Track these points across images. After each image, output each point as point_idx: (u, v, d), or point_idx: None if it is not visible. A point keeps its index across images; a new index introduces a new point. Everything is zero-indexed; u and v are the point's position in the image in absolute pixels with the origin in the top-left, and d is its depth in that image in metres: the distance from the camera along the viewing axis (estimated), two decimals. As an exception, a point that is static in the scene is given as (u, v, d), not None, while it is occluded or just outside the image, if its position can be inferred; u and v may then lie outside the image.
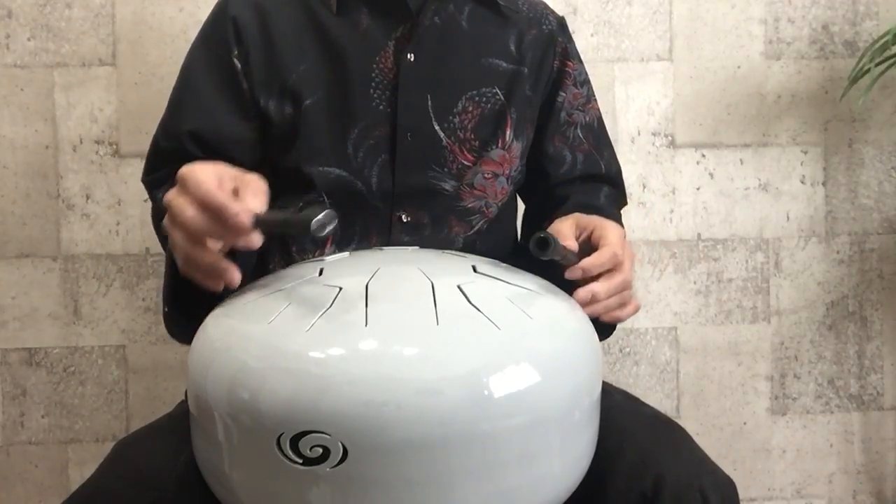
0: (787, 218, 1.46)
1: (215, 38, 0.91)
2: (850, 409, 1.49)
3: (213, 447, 0.63)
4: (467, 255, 0.81)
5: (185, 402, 0.80)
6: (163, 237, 0.78)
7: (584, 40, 1.40)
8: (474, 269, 0.71)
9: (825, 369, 1.48)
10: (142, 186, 0.97)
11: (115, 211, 1.37)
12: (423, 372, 0.57)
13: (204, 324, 0.67)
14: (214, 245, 0.66)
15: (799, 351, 1.48)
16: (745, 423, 1.48)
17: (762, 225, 1.46)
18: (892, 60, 1.25)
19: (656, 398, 1.46)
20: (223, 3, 0.93)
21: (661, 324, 1.46)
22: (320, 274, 0.69)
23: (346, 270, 0.72)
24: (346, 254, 0.80)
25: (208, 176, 0.65)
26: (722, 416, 1.47)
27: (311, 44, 0.90)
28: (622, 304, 0.78)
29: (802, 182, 1.46)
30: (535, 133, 0.99)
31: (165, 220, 0.68)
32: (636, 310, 0.81)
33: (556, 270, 0.75)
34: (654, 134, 1.44)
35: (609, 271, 0.76)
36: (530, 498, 0.62)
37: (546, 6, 1.02)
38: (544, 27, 0.98)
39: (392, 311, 0.62)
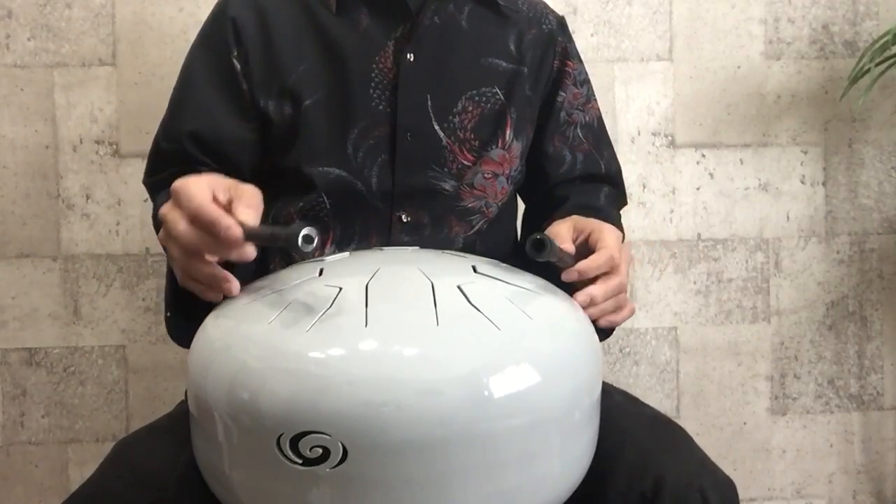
0: (787, 218, 1.46)
1: (215, 38, 0.91)
2: (850, 409, 1.49)
3: (212, 447, 0.63)
4: (467, 255, 0.81)
5: (185, 402, 0.80)
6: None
7: (584, 40, 1.40)
8: (474, 270, 0.71)
9: (825, 369, 1.48)
10: (142, 186, 0.97)
11: (115, 211, 1.37)
12: (423, 372, 0.57)
13: (204, 324, 0.67)
14: (210, 258, 0.66)
15: (799, 351, 1.48)
16: (745, 423, 1.48)
17: (762, 225, 1.46)
18: (892, 60, 1.25)
19: (656, 398, 1.46)
20: (223, 4, 0.92)
21: (661, 324, 1.46)
22: (320, 274, 0.69)
23: (346, 271, 0.72)
24: (346, 254, 0.80)
25: (201, 189, 0.66)
26: (722, 416, 1.47)
27: (311, 44, 0.90)
28: (618, 308, 0.78)
29: (802, 182, 1.46)
30: (535, 133, 0.99)
31: (161, 234, 0.69)
32: (631, 313, 0.81)
33: (556, 271, 0.75)
34: (654, 134, 1.44)
35: (605, 274, 0.76)
36: (530, 498, 0.62)
37: (546, 6, 1.02)
38: (544, 27, 0.98)
39: (392, 312, 0.62)
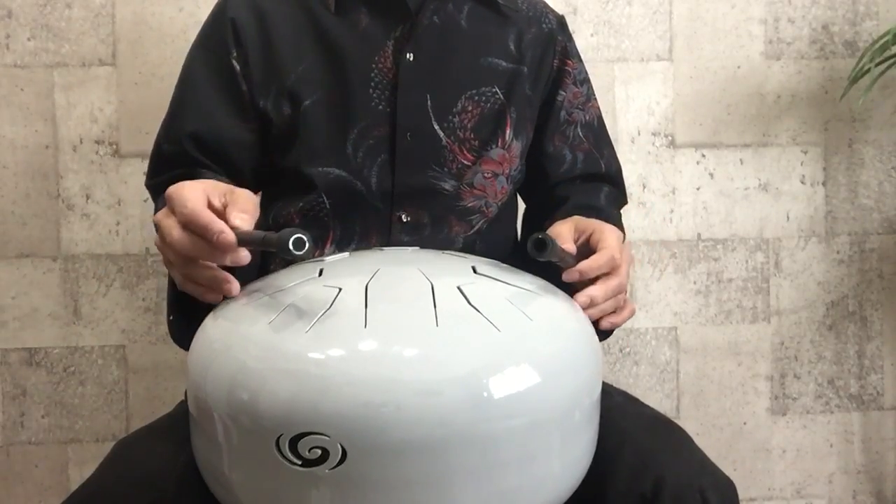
0: (787, 218, 1.46)
1: (214, 39, 0.91)
2: (850, 409, 1.49)
3: (212, 448, 0.63)
4: (467, 255, 0.81)
5: (185, 402, 0.80)
6: None
7: (584, 40, 1.40)
8: (474, 270, 0.71)
9: (825, 369, 1.48)
10: (142, 186, 0.97)
11: (115, 211, 1.37)
12: (422, 373, 0.57)
13: (203, 324, 0.67)
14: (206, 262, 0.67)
15: (799, 351, 1.48)
16: (745, 423, 1.48)
17: (762, 225, 1.46)
18: (892, 60, 1.25)
19: (656, 398, 1.46)
20: (222, 5, 0.92)
21: (661, 324, 1.46)
22: (320, 274, 0.69)
23: (345, 271, 0.72)
24: (345, 254, 0.80)
25: (195, 194, 0.66)
26: (722, 416, 1.47)
27: (310, 44, 0.90)
28: (618, 308, 0.78)
29: (802, 182, 1.46)
30: (535, 132, 0.99)
31: (157, 241, 0.69)
32: (632, 314, 0.81)
33: (556, 271, 0.75)
34: (654, 134, 1.44)
35: (606, 275, 0.76)
36: (530, 499, 0.62)
37: (546, 5, 1.02)
38: (544, 26, 0.98)
39: (392, 312, 0.62)
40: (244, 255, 0.65)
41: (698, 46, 1.44)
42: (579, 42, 1.09)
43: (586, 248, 0.79)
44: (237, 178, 0.89)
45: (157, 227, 0.69)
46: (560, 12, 1.03)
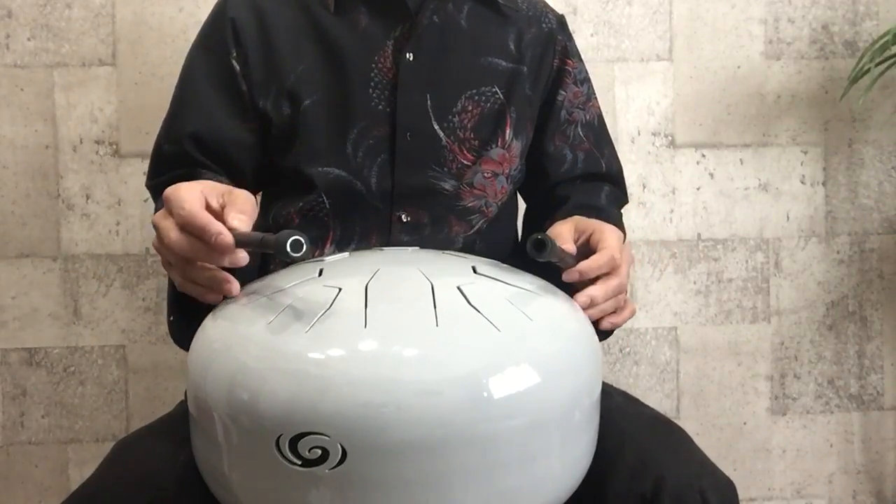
0: (787, 218, 1.46)
1: (214, 39, 0.91)
2: (850, 409, 1.49)
3: (212, 448, 0.63)
4: (467, 255, 0.81)
5: (185, 402, 0.80)
6: None
7: (584, 40, 1.40)
8: (474, 270, 0.71)
9: (825, 369, 1.48)
10: (142, 186, 0.97)
11: (115, 211, 1.37)
12: (422, 373, 0.57)
13: (203, 325, 0.67)
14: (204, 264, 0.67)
15: (799, 351, 1.48)
16: (745, 423, 1.48)
17: (762, 225, 1.46)
18: (892, 60, 1.25)
19: (656, 398, 1.46)
20: (222, 5, 0.92)
21: (661, 324, 1.46)
22: (320, 274, 0.69)
23: (345, 271, 0.72)
24: (345, 254, 0.80)
25: (193, 196, 0.66)
26: (722, 416, 1.47)
27: (310, 44, 0.90)
28: (618, 308, 0.78)
29: (802, 182, 1.46)
30: (536, 132, 0.99)
31: (154, 242, 0.69)
32: (632, 314, 0.81)
33: (556, 271, 0.75)
34: (654, 134, 1.44)
35: (606, 275, 0.76)
36: (530, 499, 0.62)
37: (546, 4, 1.02)
38: (544, 25, 0.98)
39: (391, 312, 0.62)
40: (242, 257, 0.65)
41: (698, 46, 1.44)
42: (579, 42, 1.09)
43: (586, 248, 0.79)
44: (237, 179, 0.89)
45: (156, 228, 0.69)
46: (560, 12, 1.03)
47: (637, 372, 1.46)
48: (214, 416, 0.61)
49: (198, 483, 0.68)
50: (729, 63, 1.44)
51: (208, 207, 0.67)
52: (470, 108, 0.92)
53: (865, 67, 1.24)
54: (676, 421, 0.91)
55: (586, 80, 1.02)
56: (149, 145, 0.95)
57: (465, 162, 0.92)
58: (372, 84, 0.90)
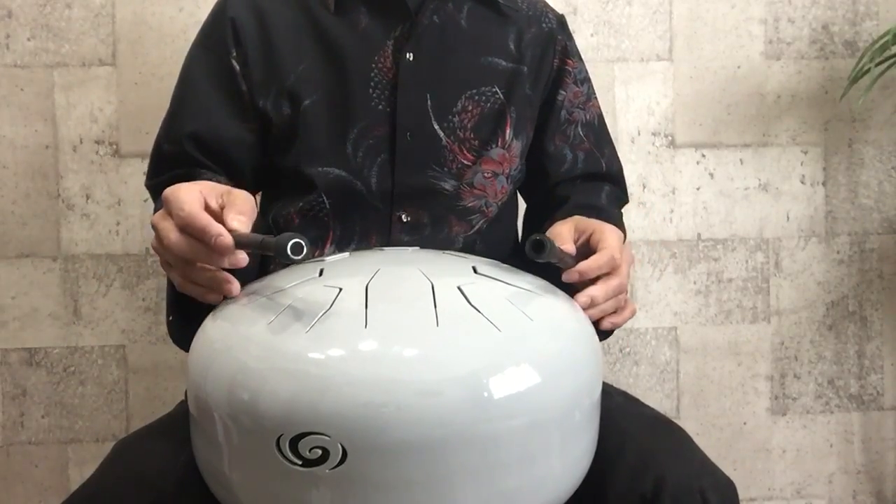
0: (787, 218, 1.46)
1: (214, 39, 0.91)
2: (850, 409, 1.49)
3: (212, 448, 0.63)
4: (467, 255, 0.81)
5: (185, 403, 0.80)
6: None
7: (584, 40, 1.40)
8: (474, 270, 0.71)
9: (825, 369, 1.48)
10: (142, 186, 0.97)
11: (115, 211, 1.37)
12: (422, 373, 0.57)
13: (203, 325, 0.67)
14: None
15: (799, 351, 1.48)
16: (745, 423, 1.48)
17: (762, 225, 1.46)
18: (892, 60, 1.25)
19: (656, 398, 1.46)
20: (222, 4, 0.92)
21: (661, 324, 1.46)
22: (320, 275, 0.69)
23: (346, 271, 0.72)
24: (346, 254, 0.80)
25: (192, 197, 0.66)
26: (722, 416, 1.47)
27: (310, 44, 0.90)
28: (619, 308, 0.78)
29: (802, 182, 1.46)
30: (536, 132, 0.99)
31: (154, 243, 0.69)
32: (632, 314, 0.81)
33: (557, 271, 0.75)
34: (654, 134, 1.44)
35: (606, 275, 0.76)
36: (530, 499, 0.62)
37: (546, 4, 1.02)
38: (544, 25, 0.98)
39: (392, 312, 0.62)
40: (242, 258, 0.65)
41: (698, 46, 1.44)
42: (579, 42, 1.09)
43: (586, 248, 0.79)
44: (237, 179, 0.89)
45: (155, 229, 0.68)
46: (560, 12, 1.03)
47: (637, 372, 1.46)
48: (215, 416, 0.61)
49: (198, 483, 0.68)
50: (729, 63, 1.44)
51: (207, 208, 0.67)
52: (470, 107, 0.92)
53: (865, 67, 1.24)
54: (676, 421, 0.91)
55: (586, 80, 1.02)
56: (149, 145, 0.95)
57: (465, 162, 0.92)
58: (372, 84, 0.90)
